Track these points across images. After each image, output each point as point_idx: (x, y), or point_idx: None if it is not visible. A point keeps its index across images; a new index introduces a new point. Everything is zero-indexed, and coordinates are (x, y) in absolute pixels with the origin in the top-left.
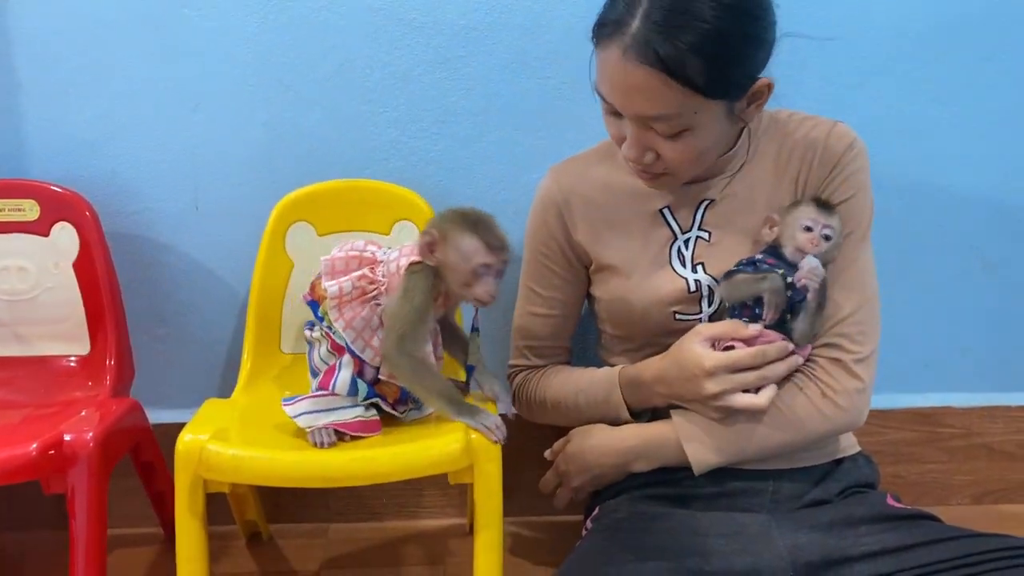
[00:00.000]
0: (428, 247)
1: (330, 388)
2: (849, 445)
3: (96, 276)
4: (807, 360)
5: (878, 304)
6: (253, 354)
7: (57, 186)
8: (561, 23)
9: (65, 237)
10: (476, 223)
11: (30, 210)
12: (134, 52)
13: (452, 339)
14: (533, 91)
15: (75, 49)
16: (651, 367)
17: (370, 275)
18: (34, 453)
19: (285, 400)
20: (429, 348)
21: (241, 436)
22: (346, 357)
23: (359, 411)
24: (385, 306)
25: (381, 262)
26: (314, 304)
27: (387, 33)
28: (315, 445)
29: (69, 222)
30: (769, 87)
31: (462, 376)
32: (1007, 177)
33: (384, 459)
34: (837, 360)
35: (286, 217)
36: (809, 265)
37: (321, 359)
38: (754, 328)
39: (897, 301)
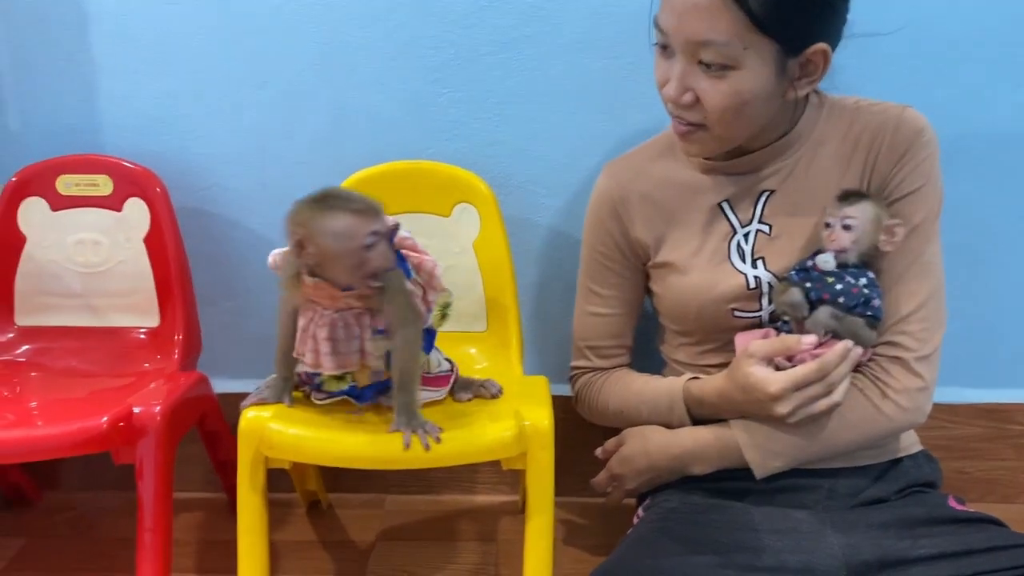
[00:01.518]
0: (299, 248)
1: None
2: (911, 443)
3: (166, 251)
4: (869, 359)
5: (943, 300)
6: None
7: (129, 162)
8: (630, 4)
9: (137, 212)
10: (334, 201)
11: (104, 185)
12: (203, 30)
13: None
14: (598, 73)
15: (147, 26)
16: (713, 388)
17: None
18: (105, 426)
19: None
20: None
21: (302, 415)
22: None
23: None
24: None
25: None
26: None
27: (452, 12)
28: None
29: (141, 198)
30: (825, 57)
31: None
32: None
33: (441, 445)
34: (898, 359)
35: None
36: (823, 263)
37: None
38: (808, 341)
39: (966, 293)
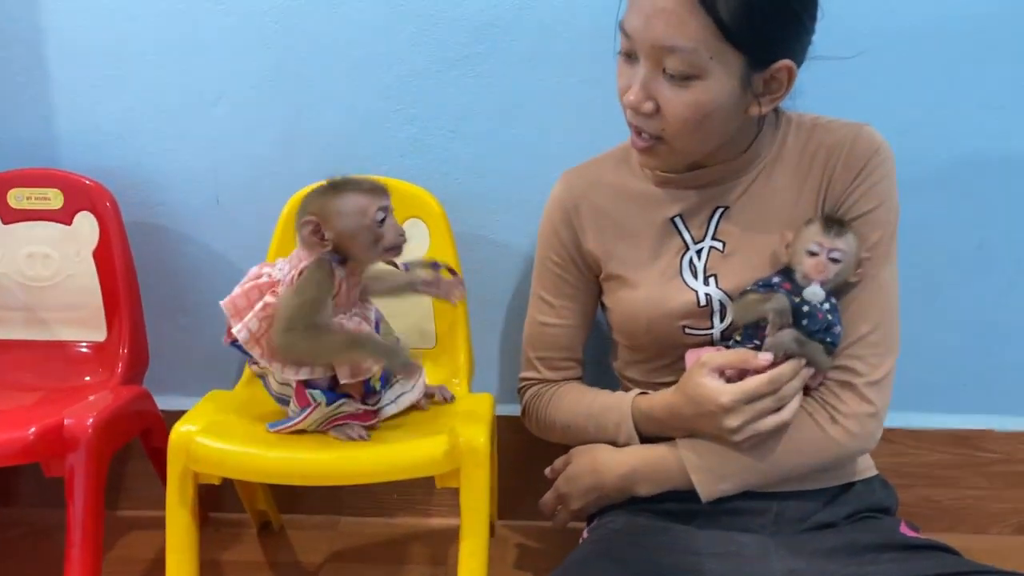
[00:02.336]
0: (313, 234)
1: (312, 404)
2: (864, 467)
3: (114, 265)
4: (820, 384)
5: (897, 324)
6: None
7: (80, 176)
8: (583, 20)
9: (86, 226)
10: (343, 184)
11: (55, 199)
12: (159, 46)
13: (387, 284)
14: (553, 89)
15: (103, 43)
16: (663, 402)
17: (272, 300)
18: (32, 437)
19: (273, 426)
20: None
21: (236, 429)
22: None
23: (350, 408)
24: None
25: (279, 282)
26: (236, 344)
27: (406, 29)
28: (348, 439)
29: (91, 212)
30: (790, 74)
31: None
32: None
33: (366, 459)
34: (848, 384)
35: None
36: (812, 295)
37: (280, 384)
38: (764, 358)
39: (937, 315)
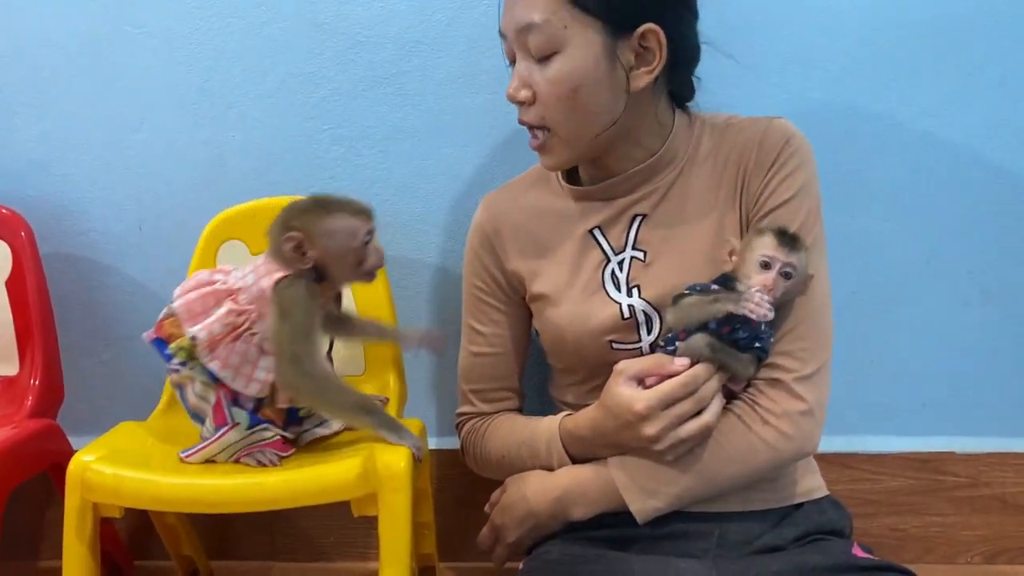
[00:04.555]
0: (295, 250)
1: (229, 423)
2: (814, 487)
3: (27, 296)
4: (747, 384)
5: (827, 317)
6: None
7: None
8: None
9: None
10: (332, 204)
11: None
12: (78, 71)
13: (353, 328)
14: (481, 107)
15: (20, 69)
16: (586, 419)
17: (237, 307)
18: None
19: (185, 452)
20: (326, 363)
21: (139, 458)
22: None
23: (269, 433)
24: (262, 333)
25: (240, 290)
26: (160, 343)
27: (330, 48)
28: (260, 464)
29: (3, 240)
30: (659, 41)
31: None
32: (1007, 199)
33: (273, 485)
34: (777, 381)
35: (218, 235)
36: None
37: (199, 397)
38: (680, 363)
39: (890, 333)
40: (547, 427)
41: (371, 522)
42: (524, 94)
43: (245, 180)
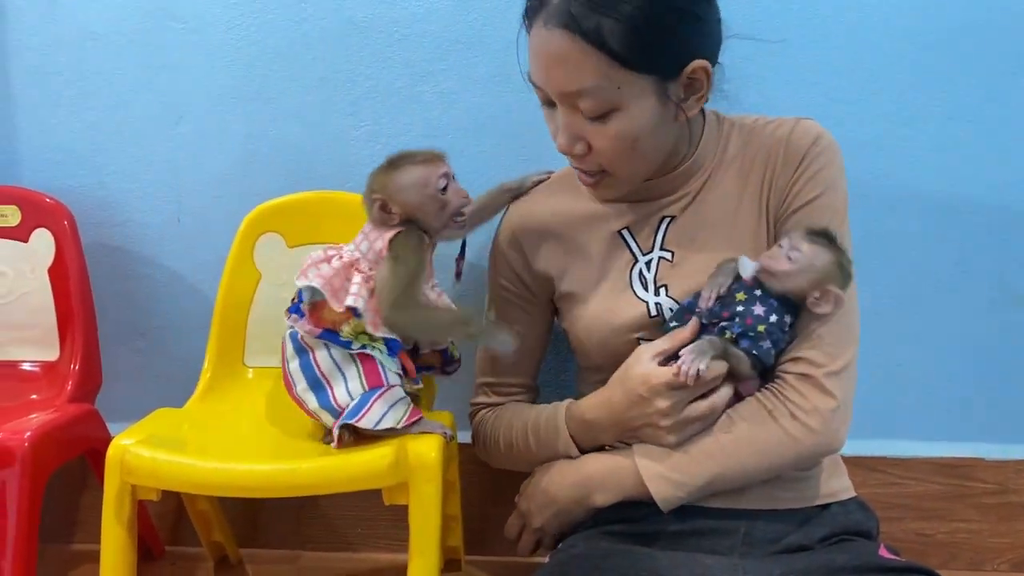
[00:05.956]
0: (383, 210)
1: (385, 384)
2: (841, 488)
3: (69, 283)
4: (775, 377)
5: (854, 312)
6: (214, 365)
7: (38, 193)
8: None
9: (42, 243)
10: (400, 159)
11: (12, 216)
12: (122, 65)
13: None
14: (516, 106)
15: (66, 62)
16: (598, 400)
17: (366, 274)
18: None
19: (347, 417)
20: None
21: (177, 442)
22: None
23: (406, 403)
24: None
25: (358, 259)
26: (329, 334)
27: (368, 47)
28: (332, 444)
29: (47, 228)
30: (706, 72)
31: None
32: None
33: (307, 471)
34: (806, 376)
35: (256, 228)
36: (742, 266)
37: (333, 363)
38: (691, 323)
39: (918, 336)
40: (553, 412)
41: (397, 514)
42: (580, 148)
43: (282, 175)
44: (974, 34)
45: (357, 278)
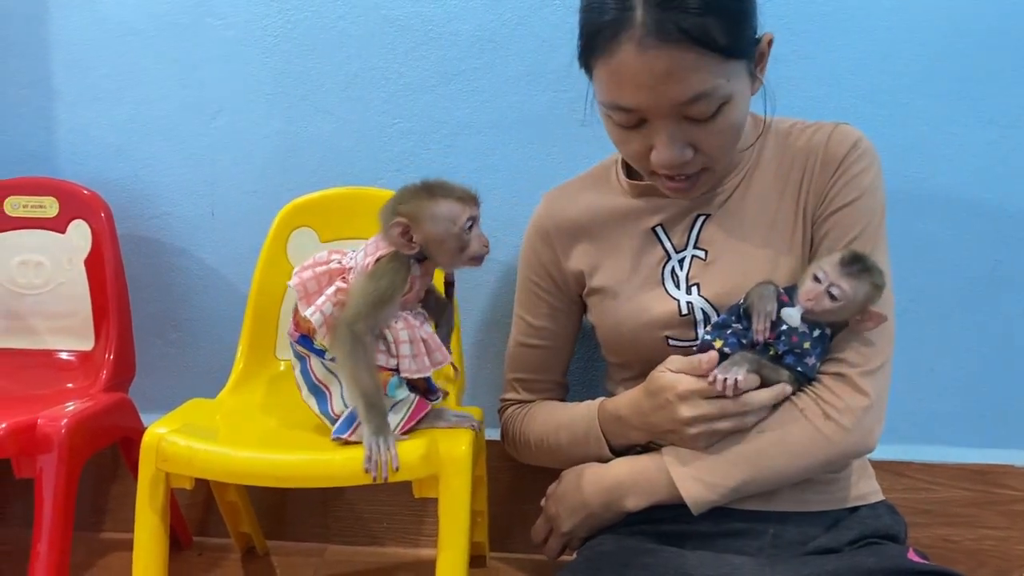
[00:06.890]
0: (402, 235)
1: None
2: (870, 492)
3: (105, 274)
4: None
5: (890, 313)
6: (246, 357)
7: (77, 185)
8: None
9: (79, 234)
10: (438, 188)
11: (50, 207)
12: (160, 59)
13: (439, 320)
14: (548, 104)
15: (105, 56)
16: (628, 399)
17: (344, 285)
18: (2, 432)
19: (337, 432)
20: (374, 340)
21: (210, 431)
22: None
23: (409, 400)
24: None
25: (350, 268)
26: (305, 340)
27: (403, 44)
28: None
29: (84, 220)
30: (769, 41)
31: None
32: None
33: (340, 462)
34: (841, 375)
35: (289, 222)
36: (787, 316)
37: (327, 371)
38: (708, 358)
39: (949, 341)
40: (586, 409)
41: (424, 509)
42: (689, 154)
43: (316, 170)
44: (1016, 38)
45: (330, 289)
